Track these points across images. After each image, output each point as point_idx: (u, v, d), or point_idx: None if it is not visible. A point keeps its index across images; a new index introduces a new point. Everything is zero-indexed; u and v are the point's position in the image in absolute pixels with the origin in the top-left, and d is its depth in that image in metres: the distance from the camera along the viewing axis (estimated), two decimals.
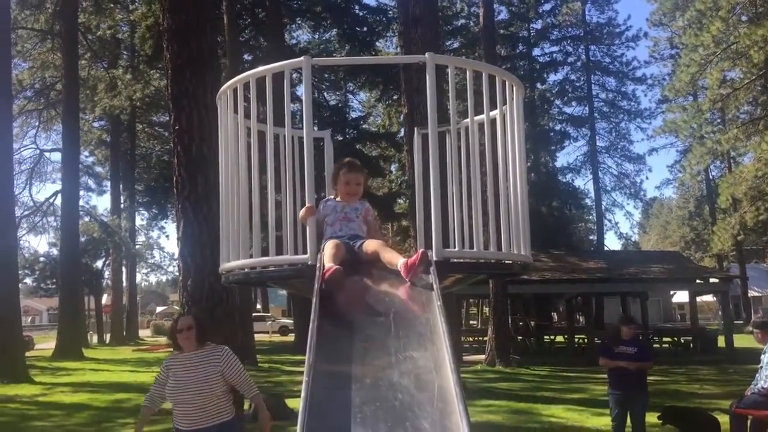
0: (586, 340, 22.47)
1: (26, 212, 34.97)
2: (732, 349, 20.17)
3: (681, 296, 40.58)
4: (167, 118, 8.07)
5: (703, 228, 51.36)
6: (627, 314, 15.45)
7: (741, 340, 20.79)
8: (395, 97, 29.19)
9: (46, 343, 30.48)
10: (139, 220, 42.60)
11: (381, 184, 33.98)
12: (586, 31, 41.35)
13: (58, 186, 35.08)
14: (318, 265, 2.88)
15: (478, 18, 26.03)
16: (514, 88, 3.44)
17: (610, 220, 43.97)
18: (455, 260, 3.27)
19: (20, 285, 27.94)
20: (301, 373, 2.18)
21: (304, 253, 3.14)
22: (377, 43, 30.93)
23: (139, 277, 50.30)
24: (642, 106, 43.26)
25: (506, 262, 3.50)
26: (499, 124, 3.46)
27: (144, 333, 45.47)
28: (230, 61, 21.01)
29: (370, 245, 3.06)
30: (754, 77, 26.60)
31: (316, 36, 31.57)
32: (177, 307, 7.96)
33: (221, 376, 4.36)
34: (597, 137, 42.05)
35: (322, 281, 2.72)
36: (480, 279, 4.74)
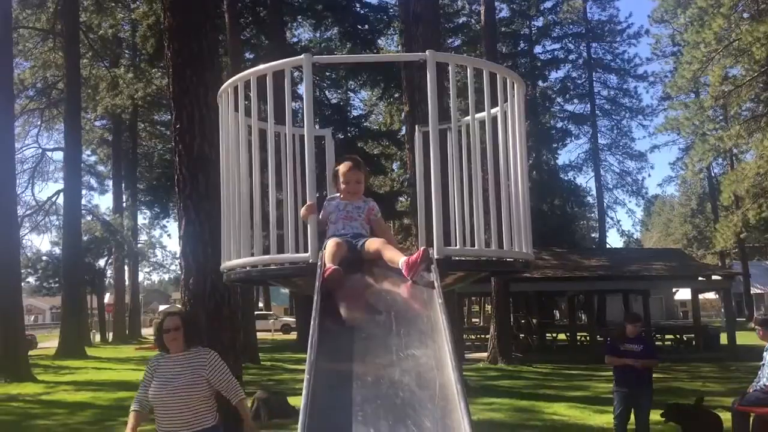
0: (588, 338, 22.48)
1: (29, 211, 35.02)
2: (734, 346, 20.16)
3: (683, 294, 40.48)
4: (169, 116, 8.05)
5: (706, 225, 51.30)
6: (632, 312, 15.46)
7: (743, 338, 20.77)
8: (396, 95, 29.16)
9: (48, 342, 30.54)
10: (141, 219, 42.67)
11: (382, 182, 33.99)
12: (588, 28, 41.26)
13: (60, 185, 35.17)
14: (319, 263, 2.88)
15: (479, 16, 26.01)
16: (515, 86, 3.44)
17: (612, 218, 43.92)
18: (457, 258, 3.27)
19: (23, 284, 28.08)
20: (303, 371, 2.18)
21: (306, 251, 3.14)
22: (378, 41, 30.91)
23: (141, 276, 50.45)
24: (644, 103, 43.24)
25: (508, 259, 3.50)
26: (500, 122, 3.45)
27: (146, 331, 45.43)
28: (231, 59, 21.03)
29: (372, 244, 3.06)
30: (756, 74, 26.54)
31: (318, 34, 31.56)
32: (179, 306, 7.96)
33: (206, 381, 4.17)
34: (599, 135, 41.99)
35: (322, 281, 2.72)
36: (482, 277, 4.73)
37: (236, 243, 3.44)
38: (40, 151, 36.68)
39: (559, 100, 41.18)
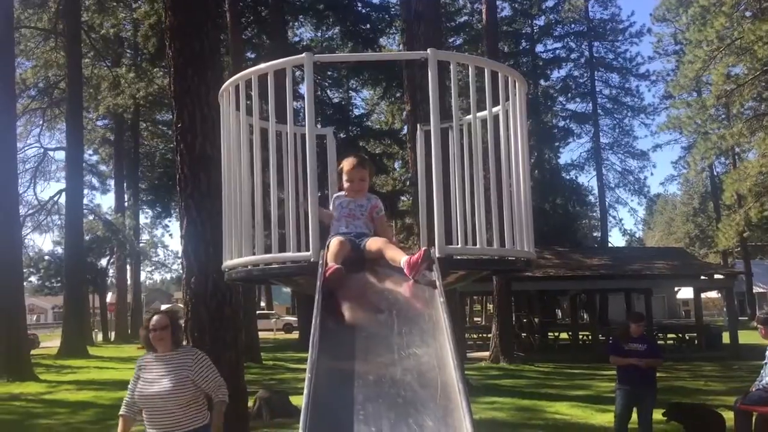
0: (590, 337, 22.47)
1: (31, 211, 35.09)
2: (737, 345, 20.14)
3: (685, 293, 40.44)
4: (170, 116, 8.05)
5: (708, 224, 51.29)
6: (635, 311, 15.45)
7: (746, 337, 20.75)
8: (398, 94, 29.17)
9: (51, 342, 30.58)
10: (143, 219, 42.72)
11: (384, 181, 33.98)
12: (590, 27, 41.23)
13: (62, 184, 35.18)
14: (321, 261, 2.87)
15: (481, 14, 25.99)
16: (517, 84, 3.43)
17: (614, 217, 43.92)
18: (458, 257, 3.26)
19: (25, 283, 28.11)
20: (305, 370, 2.18)
21: (307, 250, 3.14)
22: (380, 41, 30.89)
23: (143, 275, 50.33)
24: (646, 102, 43.27)
25: (510, 258, 3.49)
26: (501, 121, 3.45)
27: None
28: (233, 59, 21.03)
29: (374, 244, 3.05)
30: (758, 73, 26.50)
31: (319, 34, 31.54)
32: (181, 305, 7.95)
33: (192, 381, 4.10)
34: (600, 134, 41.97)
35: (323, 280, 2.72)
36: (483, 276, 4.73)
37: (238, 242, 3.44)
38: (42, 150, 36.74)
39: (560, 99, 41.18)
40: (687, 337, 22.97)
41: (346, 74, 30.36)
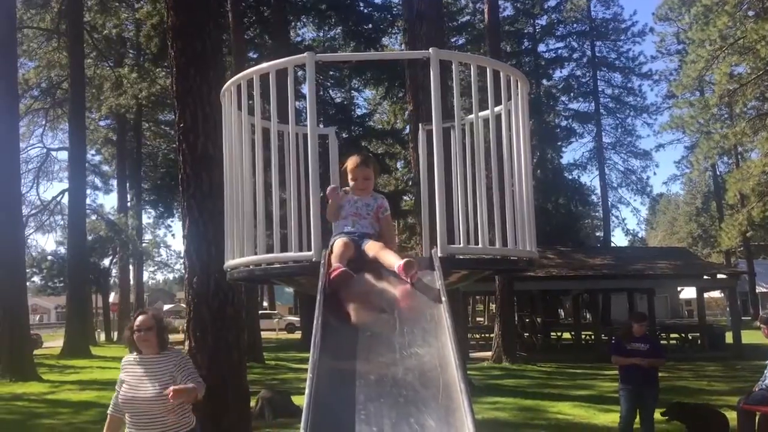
0: (592, 337, 22.44)
1: (33, 211, 35.18)
2: (740, 345, 20.10)
3: (688, 292, 40.42)
4: (173, 116, 8.07)
5: (711, 224, 51.22)
6: (638, 311, 15.44)
7: (749, 336, 20.72)
8: (400, 94, 29.14)
9: (54, 341, 30.62)
10: (146, 219, 42.74)
11: (387, 181, 33.97)
12: (592, 26, 41.21)
13: (65, 185, 35.43)
14: (323, 261, 2.87)
15: (483, 14, 25.99)
16: (519, 83, 3.43)
17: (616, 217, 43.96)
18: (460, 256, 3.26)
19: (28, 283, 28.13)
20: (307, 370, 2.17)
21: (309, 249, 3.14)
22: (382, 40, 30.88)
23: (146, 275, 50.42)
24: (648, 102, 43.21)
25: (512, 258, 3.49)
26: (504, 120, 3.44)
27: None
28: (235, 59, 21.04)
29: (371, 250, 3.02)
30: (761, 72, 26.45)
31: (321, 33, 31.54)
32: (184, 305, 7.96)
33: (176, 382, 3.91)
34: (603, 133, 41.96)
35: (327, 281, 2.71)
36: (486, 275, 4.72)
37: (240, 242, 3.44)
38: (45, 150, 36.84)
39: (563, 98, 41.16)
40: (690, 337, 22.93)
41: (348, 74, 30.35)
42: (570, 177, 40.34)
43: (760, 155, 28.04)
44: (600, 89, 41.72)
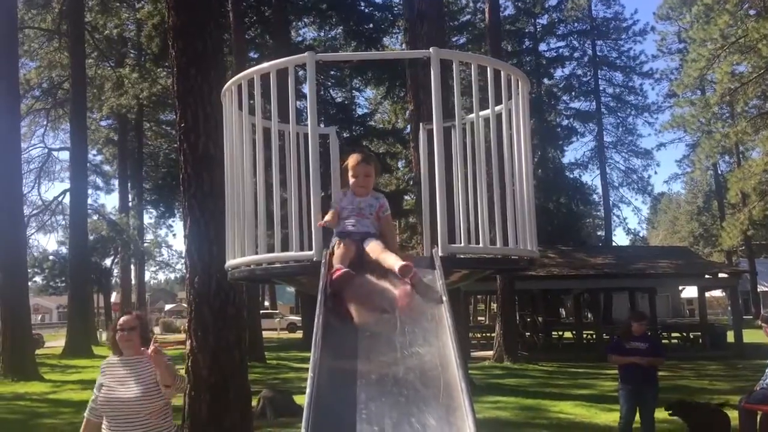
0: (594, 336, 22.43)
1: (35, 211, 35.22)
2: (741, 344, 20.09)
3: (690, 292, 40.38)
4: (174, 116, 8.08)
5: (712, 223, 51.18)
6: (637, 310, 15.43)
7: (750, 335, 20.70)
8: (401, 93, 29.15)
9: (55, 341, 30.66)
10: (147, 218, 42.81)
11: (388, 181, 33.98)
12: (593, 25, 41.17)
13: (66, 185, 35.51)
14: (324, 261, 2.87)
15: (484, 14, 25.96)
16: (520, 83, 3.43)
17: (618, 216, 43.96)
18: (461, 256, 3.26)
19: (30, 283, 28.16)
20: (308, 369, 2.17)
21: (310, 249, 3.14)
22: (383, 40, 30.88)
23: (147, 275, 50.62)
24: (649, 101, 43.14)
25: (512, 257, 3.49)
26: (504, 119, 3.44)
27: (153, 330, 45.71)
28: (236, 58, 21.04)
29: (373, 252, 3.02)
30: (762, 71, 26.42)
31: (322, 33, 31.56)
32: (185, 305, 7.95)
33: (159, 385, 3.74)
34: (604, 132, 41.91)
35: (329, 282, 2.71)
36: (487, 275, 4.73)
37: (241, 241, 3.44)
38: (46, 150, 36.90)
39: (564, 97, 41.13)
40: (691, 336, 22.91)
41: (349, 74, 30.37)
42: (571, 176, 40.33)
43: (761, 154, 28.01)
44: (601, 88, 41.72)
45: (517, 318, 21.75)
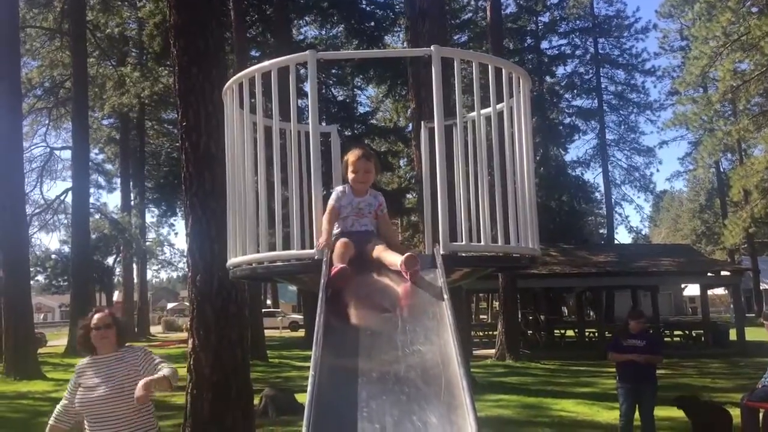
0: (596, 334, 22.43)
1: (37, 210, 35.22)
2: (743, 342, 20.07)
3: (692, 289, 40.38)
4: (176, 114, 8.08)
5: (714, 221, 51.09)
6: (635, 308, 15.42)
7: (753, 333, 20.68)
8: (403, 92, 29.14)
9: (58, 340, 30.72)
10: (149, 217, 42.89)
11: (390, 179, 33.98)
12: (595, 23, 41.08)
13: (68, 184, 35.41)
14: (324, 259, 2.87)
15: (486, 12, 25.94)
16: (521, 81, 3.42)
17: (620, 214, 43.81)
18: (463, 254, 3.26)
19: (32, 282, 28.22)
20: (310, 368, 2.18)
21: (312, 247, 3.14)
22: (384, 38, 30.87)
23: (149, 274, 50.69)
24: (651, 99, 43.11)
25: (514, 255, 3.49)
26: (506, 117, 3.44)
27: (155, 329, 45.79)
28: (238, 57, 21.05)
29: (374, 251, 3.01)
30: (764, 69, 26.37)
31: (324, 32, 31.55)
32: (188, 303, 7.97)
33: (143, 375, 3.64)
34: (606, 130, 41.85)
35: (329, 280, 2.71)
36: (489, 273, 4.72)
37: (242, 240, 3.44)
38: (48, 149, 36.91)
39: (566, 95, 41.05)
40: (693, 334, 22.90)
41: (350, 72, 30.37)
42: (573, 174, 40.27)
43: (763, 152, 27.99)
44: (603, 86, 41.65)
45: (519, 316, 21.74)
